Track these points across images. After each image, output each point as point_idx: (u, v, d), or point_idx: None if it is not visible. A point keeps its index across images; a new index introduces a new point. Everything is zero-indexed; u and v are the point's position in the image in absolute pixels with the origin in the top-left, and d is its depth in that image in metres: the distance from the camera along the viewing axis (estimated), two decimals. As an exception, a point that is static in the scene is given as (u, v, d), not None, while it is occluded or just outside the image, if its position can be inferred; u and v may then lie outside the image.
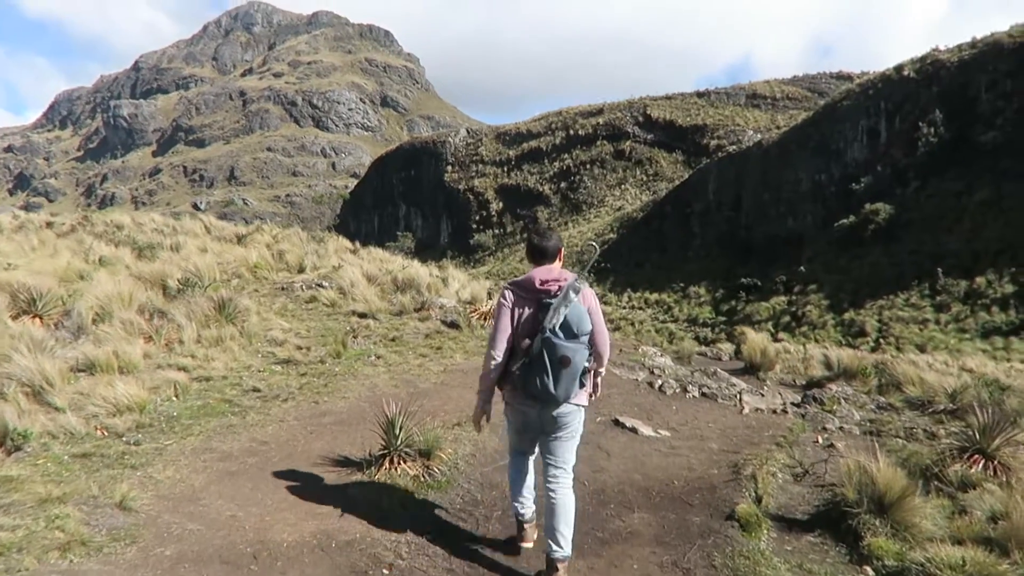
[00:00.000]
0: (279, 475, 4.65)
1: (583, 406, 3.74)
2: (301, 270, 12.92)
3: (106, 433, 5.24)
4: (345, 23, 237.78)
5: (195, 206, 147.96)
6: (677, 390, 6.91)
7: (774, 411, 6.55)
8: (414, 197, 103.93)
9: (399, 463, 4.48)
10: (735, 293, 54.68)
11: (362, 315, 9.00)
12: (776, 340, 46.58)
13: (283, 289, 10.58)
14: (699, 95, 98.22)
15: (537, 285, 3.56)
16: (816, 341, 44.24)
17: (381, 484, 4.42)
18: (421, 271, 14.55)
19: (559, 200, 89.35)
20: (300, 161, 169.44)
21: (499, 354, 3.62)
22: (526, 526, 3.98)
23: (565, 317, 3.45)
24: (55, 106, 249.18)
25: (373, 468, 4.51)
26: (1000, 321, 37.80)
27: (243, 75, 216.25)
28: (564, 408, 3.61)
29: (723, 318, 53.66)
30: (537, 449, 3.92)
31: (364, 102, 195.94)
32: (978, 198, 45.60)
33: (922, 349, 38.18)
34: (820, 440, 5.86)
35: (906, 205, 49.30)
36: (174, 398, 5.89)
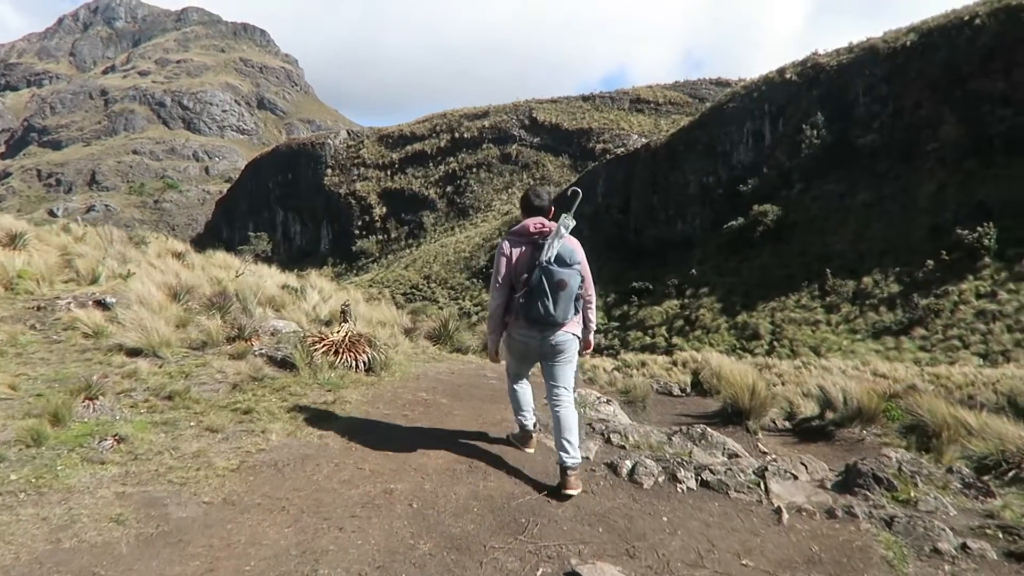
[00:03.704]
0: None
1: (577, 335, 4.20)
2: (95, 280, 9.30)
3: None
4: (217, 21, 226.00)
5: (51, 212, 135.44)
6: (660, 478, 4.00)
7: (830, 513, 3.77)
8: (292, 202, 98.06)
9: None
10: (627, 298, 53.60)
11: (134, 351, 5.60)
12: (671, 345, 45.57)
13: (39, 309, 7.00)
14: (584, 99, 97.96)
15: (532, 230, 4.12)
16: (711, 345, 43.40)
17: None
18: (268, 281, 11.11)
19: (445, 204, 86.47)
20: (170, 165, 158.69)
21: (499, 296, 4.20)
22: (531, 435, 4.51)
23: (558, 251, 4.00)
24: None
25: None
26: (889, 321, 37.89)
27: (105, 73, 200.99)
28: (562, 336, 4.05)
29: (616, 323, 52.33)
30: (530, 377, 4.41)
31: (239, 104, 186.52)
32: (860, 200, 46.27)
33: (816, 351, 37.75)
34: (950, 585, 3.09)
35: (792, 207, 49.60)
36: None
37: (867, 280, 40.79)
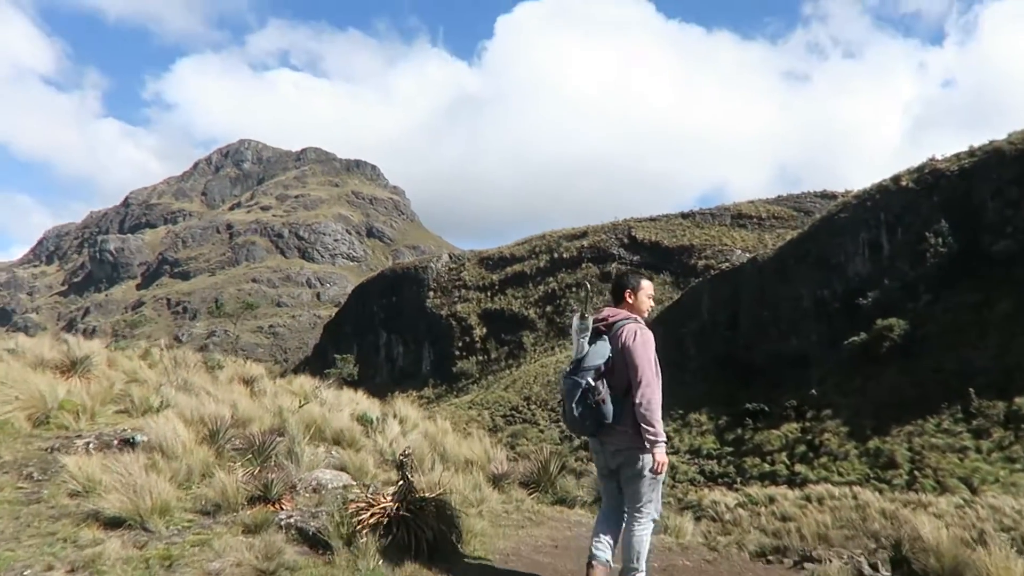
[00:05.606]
0: None
1: (638, 448, 3.81)
2: (147, 410, 8.38)
3: None
4: (333, 158, 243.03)
5: (177, 338, 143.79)
6: None
7: None
8: (395, 324, 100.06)
9: None
10: (741, 420, 49.91)
11: (113, 522, 4.21)
12: (793, 473, 41.35)
13: (52, 451, 5.99)
14: (684, 216, 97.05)
15: (597, 322, 3.92)
16: (840, 474, 39.02)
17: None
18: (344, 410, 9.91)
19: (545, 324, 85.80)
20: (284, 291, 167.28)
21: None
22: (595, 567, 3.97)
23: (588, 351, 3.72)
24: (43, 242, 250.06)
25: None
26: (1055, 448, 33.04)
27: (231, 209, 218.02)
28: (619, 446, 3.82)
29: (729, 448, 48.52)
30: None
31: (350, 233, 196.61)
32: (1000, 311, 42.05)
33: (968, 483, 32.98)
34: None
35: (920, 320, 45.66)
36: None
37: (1020, 401, 36.16)
